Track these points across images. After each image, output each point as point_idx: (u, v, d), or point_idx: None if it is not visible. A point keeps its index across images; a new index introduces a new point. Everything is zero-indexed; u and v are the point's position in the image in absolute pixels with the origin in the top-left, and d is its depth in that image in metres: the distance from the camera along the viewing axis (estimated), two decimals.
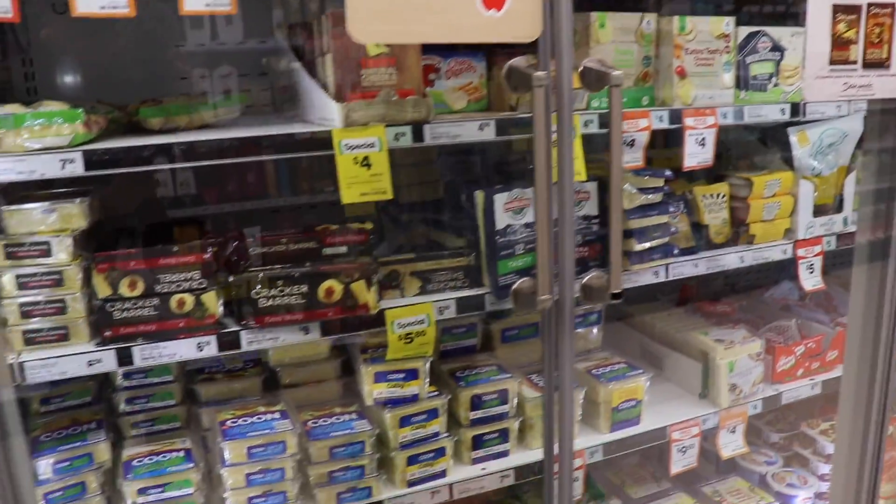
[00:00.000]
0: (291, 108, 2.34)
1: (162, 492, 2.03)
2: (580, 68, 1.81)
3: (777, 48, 2.46)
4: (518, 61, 1.75)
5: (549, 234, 1.76)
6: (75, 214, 1.92)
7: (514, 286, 1.91)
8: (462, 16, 1.67)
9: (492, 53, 2.34)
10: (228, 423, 2.12)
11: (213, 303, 1.97)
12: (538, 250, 1.78)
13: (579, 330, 2.65)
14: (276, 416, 2.15)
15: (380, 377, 2.20)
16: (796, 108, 2.46)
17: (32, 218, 1.89)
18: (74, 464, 2.06)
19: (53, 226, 1.91)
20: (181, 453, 2.11)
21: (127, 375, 2.21)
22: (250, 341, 2.01)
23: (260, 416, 2.15)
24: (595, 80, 1.80)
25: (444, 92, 2.30)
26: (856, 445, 2.74)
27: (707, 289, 3.21)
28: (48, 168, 1.80)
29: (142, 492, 2.02)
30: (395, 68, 2.03)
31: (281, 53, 2.36)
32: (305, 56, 2.20)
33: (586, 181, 2.26)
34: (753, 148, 2.81)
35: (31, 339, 1.92)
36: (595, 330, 2.69)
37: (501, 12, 1.69)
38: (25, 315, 1.90)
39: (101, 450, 2.09)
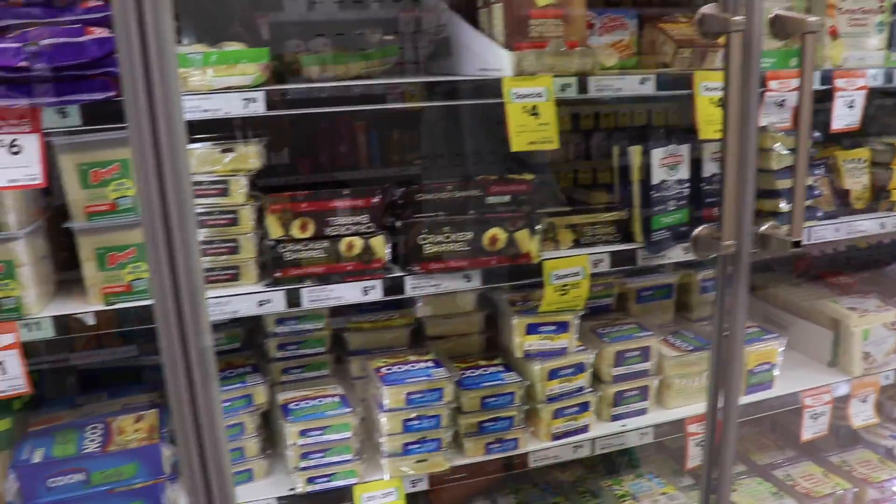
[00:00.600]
0: (438, 63, 2.35)
1: (322, 434, 2.06)
2: (771, 15, 1.80)
3: None
4: (711, 7, 1.74)
5: (737, 179, 1.75)
6: (251, 155, 1.94)
7: (694, 232, 1.90)
8: None
9: (643, 11, 2.33)
10: (383, 370, 2.14)
11: (381, 247, 1.99)
12: (725, 196, 1.77)
13: (710, 294, 2.64)
14: (430, 364, 2.16)
15: (531, 329, 2.21)
16: None
17: (212, 157, 1.92)
18: (235, 404, 2.09)
19: (229, 166, 1.93)
20: (336, 398, 2.13)
21: (280, 321, 2.23)
22: (414, 287, 2.03)
23: (412, 364, 2.17)
24: (785, 28, 1.79)
25: (597, 48, 2.29)
26: None
27: (823, 262, 3.18)
28: (232, 107, 1.82)
29: (303, 433, 2.04)
30: (561, 20, 2.03)
31: (430, 9, 2.36)
32: (461, 11, 2.20)
33: None
34: (892, 112, 2.78)
35: (205, 278, 1.95)
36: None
37: None
38: (204, 253, 1.93)
39: (259, 392, 2.12)
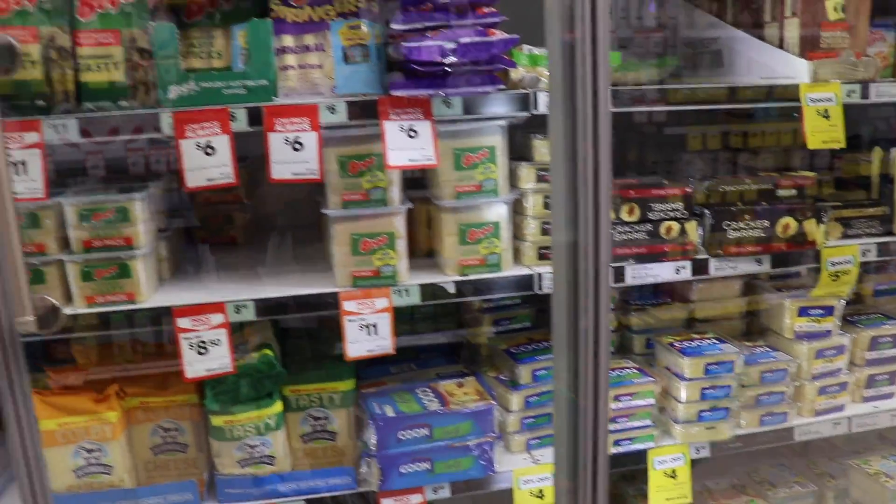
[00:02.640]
0: (706, 72, 2.62)
1: (630, 400, 2.28)
2: None
3: None
4: None
5: None
6: None
7: None
8: None
9: None
10: (676, 345, 2.37)
11: (693, 231, 2.24)
12: None
13: None
14: (715, 341, 2.39)
15: (802, 312, 2.44)
16: None
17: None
18: (550, 372, 2.32)
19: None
20: (634, 370, 2.36)
21: None
22: (716, 268, 2.27)
23: (696, 340, 2.40)
24: None
25: None
26: None
27: None
28: None
29: (616, 398, 2.26)
30: (847, 32, 2.30)
31: (702, 25, 2.63)
32: (740, 24, 2.48)
33: None
34: None
35: (542, 255, 2.20)
36: None
37: None
38: (545, 232, 2.18)
39: None
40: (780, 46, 2.33)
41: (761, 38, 2.39)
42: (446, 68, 1.89)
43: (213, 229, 2.57)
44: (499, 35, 1.93)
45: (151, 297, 2.05)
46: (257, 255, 2.47)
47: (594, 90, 1.69)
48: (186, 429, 2.19)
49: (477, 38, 1.90)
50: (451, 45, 1.88)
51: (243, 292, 2.06)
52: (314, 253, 2.41)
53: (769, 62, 2.34)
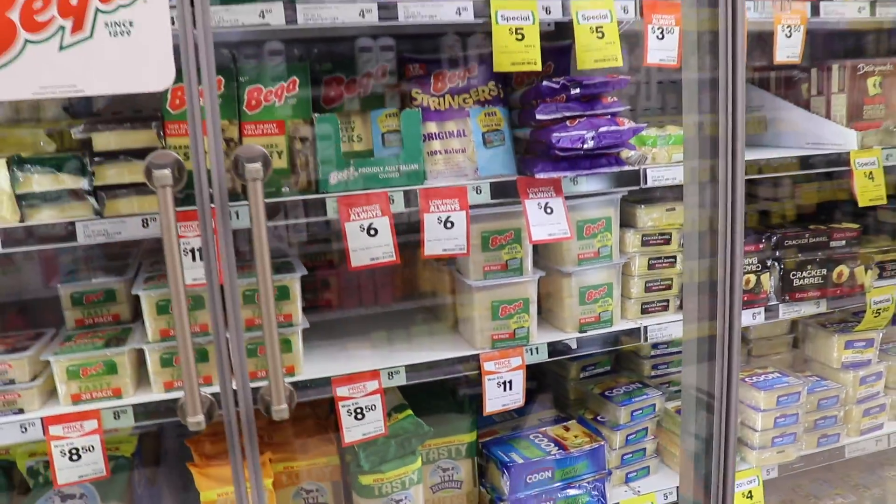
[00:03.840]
0: (753, 135, 2.95)
1: None
2: None
3: None
4: None
5: None
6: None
7: None
8: None
9: None
10: (748, 380, 2.67)
11: (767, 282, 2.54)
12: None
13: None
14: (778, 374, 2.71)
15: (848, 345, 2.79)
16: None
17: (659, 214, 2.44)
18: (644, 412, 2.58)
19: (672, 220, 2.45)
20: None
21: (654, 345, 2.74)
22: (784, 312, 2.59)
23: (760, 375, 2.71)
24: None
25: None
26: None
27: None
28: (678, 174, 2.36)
29: None
30: (884, 104, 2.67)
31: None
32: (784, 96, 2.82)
33: None
34: None
35: (645, 309, 2.46)
36: None
37: None
38: (647, 289, 2.44)
39: (659, 401, 2.61)
40: (827, 117, 2.68)
41: (807, 108, 2.74)
42: (583, 152, 2.12)
43: (312, 293, 2.70)
44: (628, 124, 2.17)
45: (303, 368, 2.18)
46: (360, 319, 2.61)
47: (733, 165, 1.97)
48: (327, 489, 2.31)
49: (612, 128, 2.13)
50: (590, 134, 2.11)
51: (387, 358, 2.22)
52: (410, 315, 2.60)
53: (814, 129, 2.69)
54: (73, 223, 1.88)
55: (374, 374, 2.15)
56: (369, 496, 2.25)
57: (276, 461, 2.27)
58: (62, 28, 1.44)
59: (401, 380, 2.18)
